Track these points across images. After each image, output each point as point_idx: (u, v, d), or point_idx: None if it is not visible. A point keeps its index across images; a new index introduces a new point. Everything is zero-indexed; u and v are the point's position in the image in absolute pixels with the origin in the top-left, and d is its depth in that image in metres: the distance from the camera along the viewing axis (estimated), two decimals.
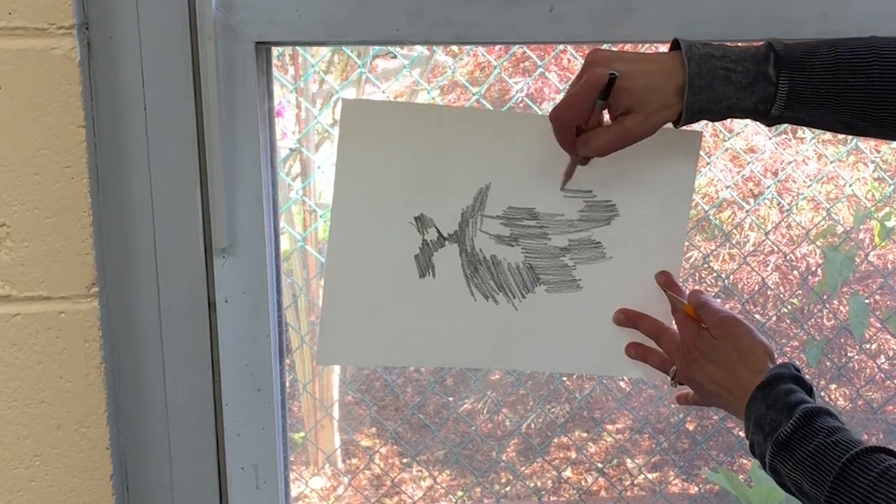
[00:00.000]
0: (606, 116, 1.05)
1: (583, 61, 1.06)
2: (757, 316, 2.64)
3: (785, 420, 0.96)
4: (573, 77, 1.07)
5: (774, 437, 0.96)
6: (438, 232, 1.16)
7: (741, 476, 2.51)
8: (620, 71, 1.01)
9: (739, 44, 1.04)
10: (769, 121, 1.05)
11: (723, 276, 2.60)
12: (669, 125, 1.10)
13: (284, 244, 2.52)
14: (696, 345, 1.10)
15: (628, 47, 1.90)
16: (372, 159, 1.15)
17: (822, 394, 2.67)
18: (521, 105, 2.22)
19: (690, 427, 2.85)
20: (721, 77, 1.02)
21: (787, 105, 1.03)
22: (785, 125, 1.11)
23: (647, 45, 1.79)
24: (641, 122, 1.03)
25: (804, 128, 2.37)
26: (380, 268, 1.17)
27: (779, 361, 1.05)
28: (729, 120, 1.09)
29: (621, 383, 2.79)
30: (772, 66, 1.02)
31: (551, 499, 2.88)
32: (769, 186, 2.48)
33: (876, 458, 0.90)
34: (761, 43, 1.04)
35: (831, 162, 2.50)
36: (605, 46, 1.17)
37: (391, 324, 1.18)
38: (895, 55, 1.02)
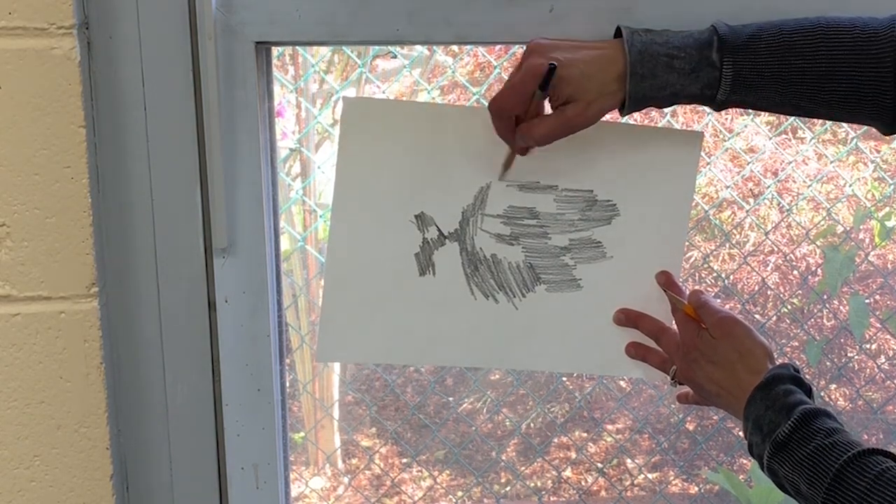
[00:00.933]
0: (548, 106, 1.05)
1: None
2: (757, 316, 2.64)
3: (783, 421, 0.96)
4: None
5: (773, 438, 0.96)
6: (439, 230, 1.16)
7: (741, 476, 2.51)
8: (560, 60, 1.01)
9: None
10: (717, 106, 1.05)
11: (723, 276, 2.60)
12: (672, 125, 1.10)
13: (284, 244, 2.52)
14: (695, 345, 1.10)
15: None
16: (373, 157, 1.15)
17: (822, 394, 2.67)
18: None
19: (690, 427, 2.85)
20: (663, 64, 1.02)
21: (733, 89, 1.03)
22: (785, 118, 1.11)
23: None
24: (582, 110, 1.03)
25: (804, 126, 2.37)
26: (380, 265, 1.17)
27: (778, 362, 1.05)
28: (729, 119, 1.09)
29: (621, 383, 2.79)
30: (715, 50, 1.02)
31: (551, 499, 2.88)
32: (769, 186, 2.48)
33: (873, 461, 0.90)
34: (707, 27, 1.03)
35: (831, 162, 2.50)
36: None
37: (391, 322, 1.18)
38: (842, 35, 1.01)
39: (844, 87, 1.02)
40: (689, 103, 1.05)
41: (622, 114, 1.05)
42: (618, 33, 1.05)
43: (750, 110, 1.11)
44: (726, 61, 1.02)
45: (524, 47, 1.08)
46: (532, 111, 1.04)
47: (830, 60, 1.01)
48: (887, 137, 1.10)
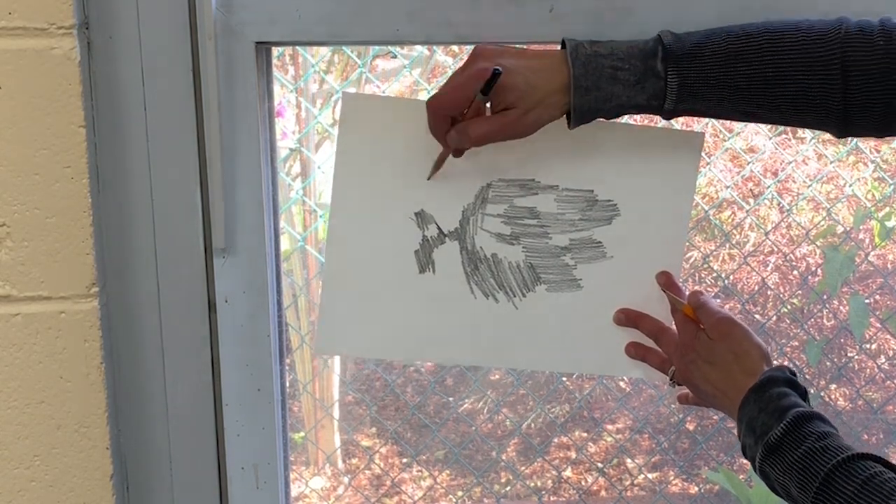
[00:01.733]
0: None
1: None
2: (757, 316, 2.64)
3: (776, 424, 0.96)
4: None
5: (765, 441, 0.96)
6: (439, 228, 1.16)
7: (741, 476, 2.51)
8: (504, 67, 1.00)
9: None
10: (665, 115, 1.05)
11: (722, 276, 2.60)
12: (675, 125, 1.10)
13: (284, 244, 2.52)
14: (693, 346, 1.10)
15: None
16: (372, 154, 1.15)
17: (822, 394, 2.67)
18: None
19: (690, 427, 2.85)
20: (608, 76, 1.01)
21: (680, 98, 1.02)
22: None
23: None
24: (519, 117, 1.02)
25: (805, 129, 2.37)
26: (379, 261, 1.17)
27: (775, 364, 1.05)
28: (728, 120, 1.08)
29: (621, 383, 2.79)
30: (660, 60, 1.01)
31: (551, 499, 2.88)
32: (769, 186, 2.48)
33: (861, 465, 0.90)
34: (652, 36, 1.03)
35: (831, 162, 2.49)
36: None
37: (390, 317, 1.18)
38: (786, 39, 1.01)
39: (792, 92, 1.01)
40: (637, 113, 1.05)
41: (570, 127, 1.04)
42: (563, 44, 1.04)
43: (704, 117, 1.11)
44: (671, 70, 1.01)
45: (525, 48, 1.07)
46: (471, 114, 1.04)
47: (776, 65, 1.01)
48: (882, 139, 1.09)
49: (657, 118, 1.07)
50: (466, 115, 1.04)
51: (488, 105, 1.04)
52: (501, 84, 1.01)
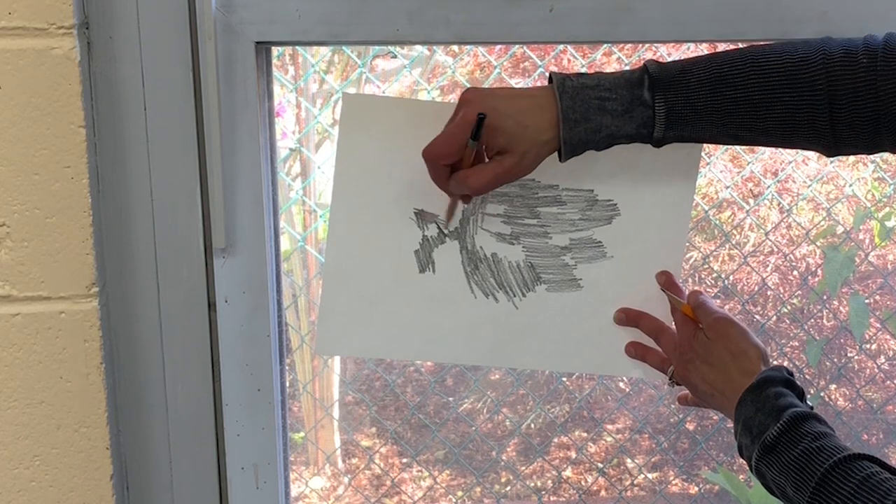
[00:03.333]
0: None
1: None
2: (757, 316, 2.64)
3: (772, 423, 0.96)
4: None
5: (761, 441, 0.97)
6: (439, 228, 1.16)
7: (741, 476, 2.51)
8: (492, 109, 1.00)
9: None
10: (655, 143, 1.05)
11: (722, 276, 2.60)
12: None
13: (284, 244, 2.52)
14: (691, 345, 1.11)
15: (628, 47, 1.90)
16: (372, 154, 1.15)
17: (822, 394, 2.67)
18: None
19: (690, 427, 2.85)
20: (595, 107, 1.01)
21: (668, 126, 1.02)
22: None
23: (646, 45, 1.79)
24: (518, 160, 1.02)
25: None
26: (379, 261, 1.17)
27: (773, 364, 1.05)
28: None
29: (621, 383, 2.79)
30: (646, 88, 1.01)
31: (551, 499, 2.88)
32: (769, 186, 2.47)
33: (858, 465, 0.90)
34: (638, 66, 1.03)
35: (831, 162, 2.49)
36: (604, 46, 1.17)
37: (390, 317, 1.18)
38: (771, 62, 1.01)
39: (779, 114, 1.01)
40: (628, 143, 1.05)
41: (561, 160, 1.04)
42: (551, 79, 1.04)
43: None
44: (658, 98, 1.01)
45: (524, 48, 1.07)
46: (467, 160, 1.04)
47: (762, 88, 1.01)
48: (871, 154, 1.08)
49: None
50: (463, 162, 1.04)
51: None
52: (491, 127, 1.01)
